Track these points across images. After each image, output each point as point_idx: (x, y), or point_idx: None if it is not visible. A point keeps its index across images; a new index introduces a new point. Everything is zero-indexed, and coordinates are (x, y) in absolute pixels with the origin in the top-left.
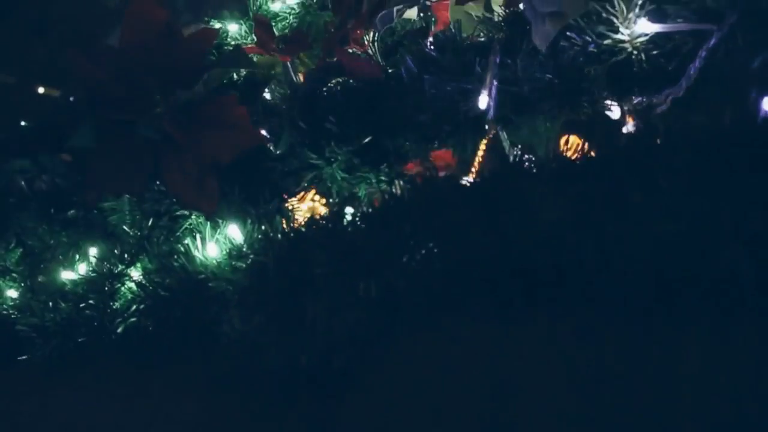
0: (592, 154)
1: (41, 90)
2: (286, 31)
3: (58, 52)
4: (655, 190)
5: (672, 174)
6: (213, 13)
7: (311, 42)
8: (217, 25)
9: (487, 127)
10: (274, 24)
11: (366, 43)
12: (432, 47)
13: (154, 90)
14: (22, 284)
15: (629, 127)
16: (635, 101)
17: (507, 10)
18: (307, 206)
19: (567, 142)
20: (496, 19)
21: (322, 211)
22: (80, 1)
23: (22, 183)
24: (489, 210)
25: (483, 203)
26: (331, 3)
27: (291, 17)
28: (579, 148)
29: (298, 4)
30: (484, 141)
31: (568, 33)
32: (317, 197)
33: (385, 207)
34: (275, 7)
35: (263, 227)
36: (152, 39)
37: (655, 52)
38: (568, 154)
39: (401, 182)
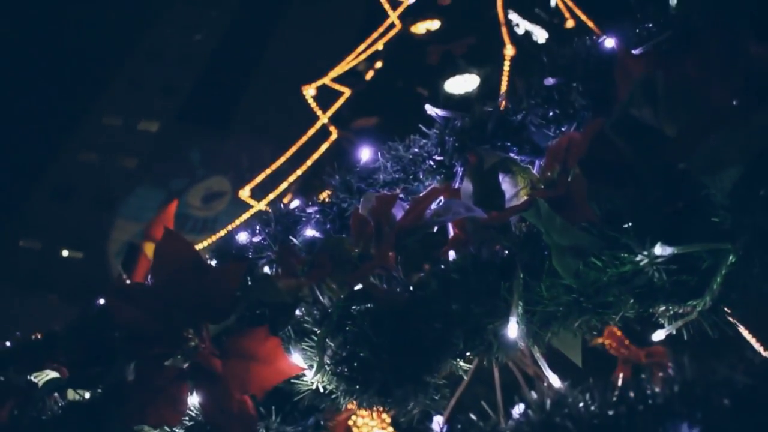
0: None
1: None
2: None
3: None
4: None
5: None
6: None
7: (334, 267)
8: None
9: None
10: (295, 233)
11: (390, 263)
12: (454, 267)
13: (187, 324)
14: None
15: (658, 335)
16: (661, 310)
17: (525, 225)
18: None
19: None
20: (515, 239)
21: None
22: (101, 165)
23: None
24: None
25: None
26: (352, 233)
27: (312, 222)
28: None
29: (317, 210)
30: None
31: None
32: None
33: None
34: (294, 204)
35: None
36: (183, 274)
37: (675, 269)
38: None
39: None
